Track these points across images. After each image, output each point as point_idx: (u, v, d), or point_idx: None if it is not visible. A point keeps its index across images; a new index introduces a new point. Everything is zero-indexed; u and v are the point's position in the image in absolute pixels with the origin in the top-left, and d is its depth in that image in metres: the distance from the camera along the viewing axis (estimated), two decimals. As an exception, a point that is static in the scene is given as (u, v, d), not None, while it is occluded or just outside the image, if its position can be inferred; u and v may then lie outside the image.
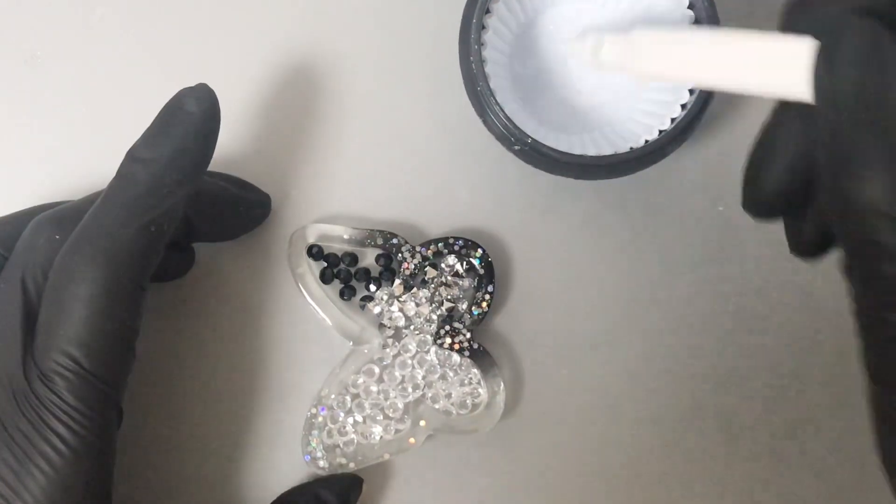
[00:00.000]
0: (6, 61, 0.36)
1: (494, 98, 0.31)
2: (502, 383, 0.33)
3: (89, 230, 0.27)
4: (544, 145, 0.31)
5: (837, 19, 0.22)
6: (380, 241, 0.33)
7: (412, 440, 0.32)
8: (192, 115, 0.28)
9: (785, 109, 0.25)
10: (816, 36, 0.22)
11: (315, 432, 0.32)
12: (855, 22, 0.21)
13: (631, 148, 0.32)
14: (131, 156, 0.28)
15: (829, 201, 0.22)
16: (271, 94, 0.35)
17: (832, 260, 0.34)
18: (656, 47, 0.27)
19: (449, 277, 0.33)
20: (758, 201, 0.27)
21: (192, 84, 0.35)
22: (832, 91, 0.21)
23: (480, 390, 0.33)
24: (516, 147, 0.32)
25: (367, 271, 0.33)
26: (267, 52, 0.36)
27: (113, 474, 0.27)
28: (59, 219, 0.28)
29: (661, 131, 0.32)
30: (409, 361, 0.33)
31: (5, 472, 0.25)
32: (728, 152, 0.35)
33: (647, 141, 0.32)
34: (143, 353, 0.28)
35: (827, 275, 0.34)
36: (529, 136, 0.31)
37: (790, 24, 0.24)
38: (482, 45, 0.32)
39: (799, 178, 0.25)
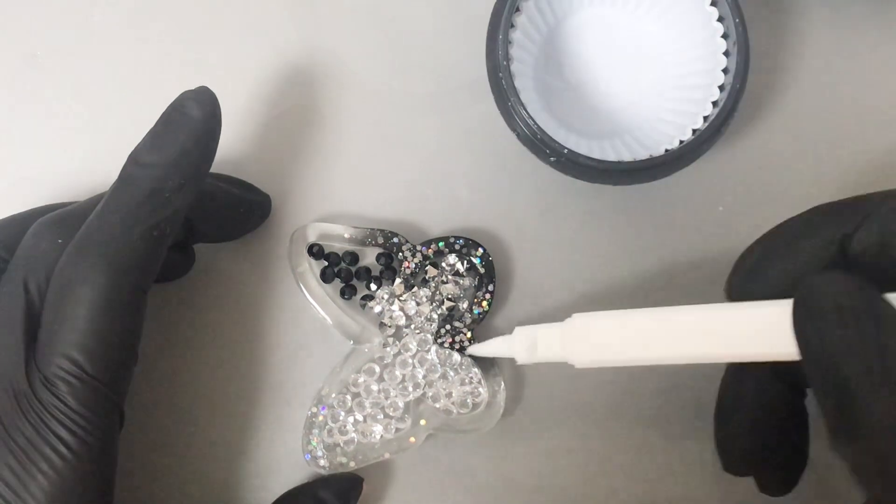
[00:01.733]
0: (6, 61, 0.36)
1: (525, 108, 0.31)
2: (503, 382, 0.33)
3: (92, 234, 0.27)
4: (581, 155, 0.31)
5: (814, 279, 0.23)
6: (380, 240, 0.33)
7: (412, 439, 0.32)
8: (194, 119, 0.28)
9: (738, 372, 0.27)
10: (780, 297, 0.24)
11: (315, 431, 0.32)
12: (833, 278, 0.23)
13: (666, 150, 0.32)
14: (133, 159, 0.28)
15: (836, 439, 0.23)
16: (271, 93, 0.35)
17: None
18: (598, 331, 0.26)
19: (450, 276, 0.33)
20: (736, 464, 0.29)
21: (193, 84, 0.35)
22: (823, 349, 0.22)
23: (481, 389, 0.33)
24: (552, 159, 0.32)
25: (367, 270, 0.33)
26: (267, 51, 0.36)
27: (115, 477, 0.27)
28: (61, 222, 0.28)
29: (694, 130, 0.32)
30: (410, 360, 0.33)
31: (7, 475, 0.25)
32: (727, 153, 0.35)
33: (681, 142, 0.32)
34: (142, 354, 0.28)
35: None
36: (566, 148, 0.31)
37: (745, 290, 0.25)
38: (510, 43, 0.32)
39: (768, 432, 0.27)
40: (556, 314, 0.34)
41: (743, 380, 0.27)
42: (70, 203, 0.30)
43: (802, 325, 0.23)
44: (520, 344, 0.28)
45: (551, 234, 0.35)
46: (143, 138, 0.29)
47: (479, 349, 0.31)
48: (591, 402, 0.34)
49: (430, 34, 0.36)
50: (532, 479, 0.33)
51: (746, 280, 0.26)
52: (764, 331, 0.24)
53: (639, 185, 0.35)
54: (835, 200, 0.26)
